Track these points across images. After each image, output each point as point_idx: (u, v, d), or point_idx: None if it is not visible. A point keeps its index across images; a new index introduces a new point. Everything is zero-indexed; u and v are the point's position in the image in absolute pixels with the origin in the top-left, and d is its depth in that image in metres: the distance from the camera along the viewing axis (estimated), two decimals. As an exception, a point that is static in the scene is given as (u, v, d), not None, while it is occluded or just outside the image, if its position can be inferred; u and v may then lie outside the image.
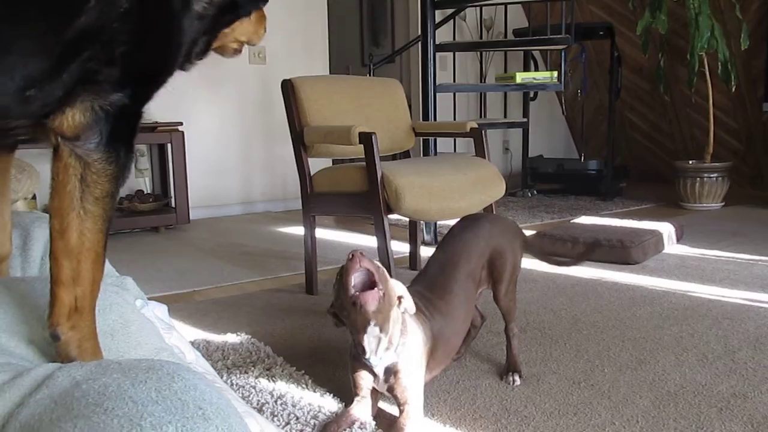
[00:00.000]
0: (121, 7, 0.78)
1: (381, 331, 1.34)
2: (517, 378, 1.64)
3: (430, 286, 1.58)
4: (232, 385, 1.63)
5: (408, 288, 1.47)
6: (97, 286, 0.84)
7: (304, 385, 1.62)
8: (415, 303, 1.43)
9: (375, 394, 1.45)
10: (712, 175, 4.36)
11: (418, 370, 1.41)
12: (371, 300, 1.28)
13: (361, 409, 1.43)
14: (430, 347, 1.47)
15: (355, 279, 1.30)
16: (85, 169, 0.78)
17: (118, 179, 0.82)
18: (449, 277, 1.59)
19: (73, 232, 0.79)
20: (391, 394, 1.40)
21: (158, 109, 3.98)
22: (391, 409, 1.49)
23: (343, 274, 1.31)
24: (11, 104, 0.75)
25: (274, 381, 1.65)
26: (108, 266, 1.38)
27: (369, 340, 1.35)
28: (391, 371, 1.38)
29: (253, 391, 1.59)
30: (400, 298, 1.38)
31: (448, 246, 1.66)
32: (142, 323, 1.02)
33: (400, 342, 1.38)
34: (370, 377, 1.42)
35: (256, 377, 1.68)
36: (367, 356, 1.37)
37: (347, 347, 1.46)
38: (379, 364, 1.38)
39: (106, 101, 0.78)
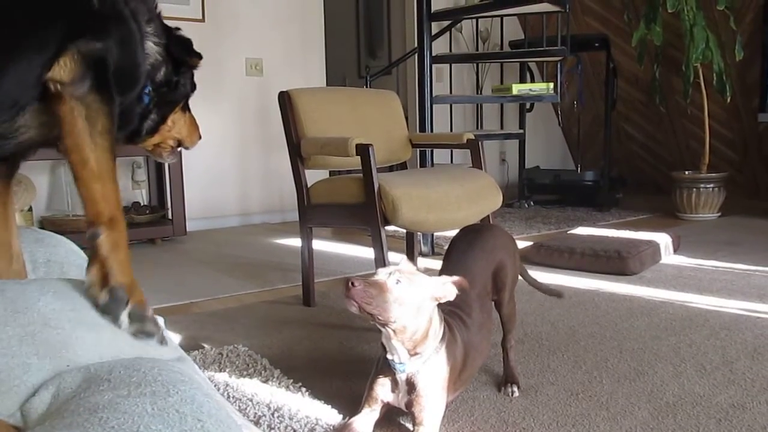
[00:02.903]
0: None
1: (396, 337, 1.34)
2: (515, 389, 1.63)
3: (455, 303, 1.52)
4: (228, 397, 1.62)
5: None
6: (120, 204, 0.96)
7: (301, 397, 1.61)
8: (449, 322, 1.43)
9: (383, 408, 1.43)
10: (708, 186, 4.38)
11: (441, 392, 1.39)
12: (356, 298, 1.26)
13: (365, 422, 1.41)
14: (459, 368, 1.46)
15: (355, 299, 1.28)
16: (86, 109, 0.90)
17: (113, 117, 0.93)
18: (469, 294, 1.55)
19: (93, 161, 0.91)
20: (408, 410, 1.39)
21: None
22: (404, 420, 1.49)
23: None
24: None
25: (271, 393, 1.64)
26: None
27: (388, 344, 1.36)
28: (413, 385, 1.37)
29: (250, 403, 1.58)
30: (437, 298, 1.37)
31: (459, 262, 1.63)
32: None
33: (431, 356, 1.37)
34: (389, 390, 1.40)
35: (253, 389, 1.67)
36: (391, 357, 1.37)
37: (374, 359, 1.44)
38: (403, 370, 1.37)
39: (88, 49, 0.90)
